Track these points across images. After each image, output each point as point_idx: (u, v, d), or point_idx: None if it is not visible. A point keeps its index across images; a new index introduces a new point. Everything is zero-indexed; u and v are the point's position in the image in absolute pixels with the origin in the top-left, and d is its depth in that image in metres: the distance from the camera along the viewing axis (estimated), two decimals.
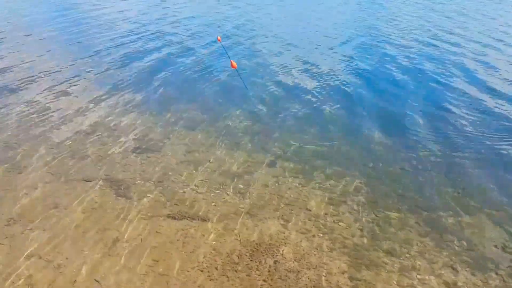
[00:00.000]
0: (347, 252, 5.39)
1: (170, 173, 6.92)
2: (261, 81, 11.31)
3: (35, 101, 9.42)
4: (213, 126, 8.61)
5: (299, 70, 12.26)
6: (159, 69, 12.04)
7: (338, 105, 9.86)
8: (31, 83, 10.52)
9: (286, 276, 4.97)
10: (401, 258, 5.31)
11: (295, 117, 9.13)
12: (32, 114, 8.76)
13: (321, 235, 5.68)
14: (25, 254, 5.08)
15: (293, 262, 5.20)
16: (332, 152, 7.75)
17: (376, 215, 6.09)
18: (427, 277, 5.03)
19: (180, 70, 12.05)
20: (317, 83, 11.22)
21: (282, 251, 5.37)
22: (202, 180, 6.76)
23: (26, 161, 7.03)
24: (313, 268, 5.12)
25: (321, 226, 5.83)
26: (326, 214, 6.09)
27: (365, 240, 5.61)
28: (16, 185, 6.38)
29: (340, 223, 5.91)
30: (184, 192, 6.45)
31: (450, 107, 9.85)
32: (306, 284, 4.87)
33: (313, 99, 10.16)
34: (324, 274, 5.03)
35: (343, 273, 5.06)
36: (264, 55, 13.77)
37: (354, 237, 5.66)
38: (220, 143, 7.95)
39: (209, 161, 7.32)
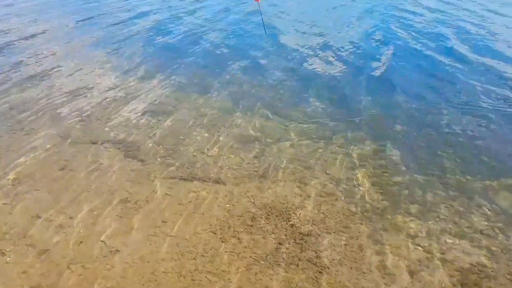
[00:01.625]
0: (369, 216, 5.00)
1: (181, 137, 6.58)
2: (285, 37, 10.80)
3: (43, 64, 9.15)
4: (227, 90, 8.23)
5: (328, 35, 11.69)
6: (171, 30, 11.63)
7: (360, 71, 9.34)
8: (41, 47, 10.26)
9: (303, 239, 4.62)
10: (429, 222, 4.89)
11: (316, 81, 8.67)
12: (39, 77, 8.50)
13: (341, 198, 5.29)
14: (29, 214, 4.84)
15: (311, 225, 4.84)
16: (353, 116, 7.29)
17: (400, 179, 5.66)
18: (457, 241, 4.61)
19: (195, 28, 11.62)
20: (346, 49, 10.67)
21: (299, 214, 5.01)
22: (215, 144, 6.41)
23: (33, 123, 6.78)
24: (333, 232, 4.75)
25: (341, 190, 5.44)
26: (346, 178, 5.69)
27: (388, 204, 5.20)
28: (22, 146, 6.15)
29: (361, 187, 5.51)
30: (195, 155, 6.12)
31: (482, 77, 9.23)
32: (325, 248, 4.51)
33: (337, 63, 9.64)
34: (344, 238, 4.66)
35: (366, 237, 4.68)
36: (297, 14, 13.20)
37: (377, 201, 5.26)
38: (234, 107, 7.58)
39: (223, 125, 6.95)
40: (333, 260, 4.37)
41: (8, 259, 4.21)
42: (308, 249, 4.49)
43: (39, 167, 5.71)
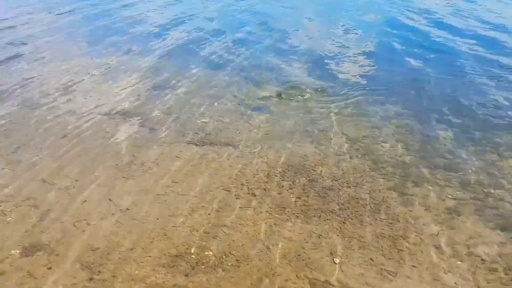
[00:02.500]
0: (392, 170, 4.67)
1: (189, 107, 6.31)
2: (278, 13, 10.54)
3: (46, 45, 8.95)
4: (232, 65, 7.96)
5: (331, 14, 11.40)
6: (179, 15, 11.40)
7: (364, 41, 9.03)
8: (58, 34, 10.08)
9: (324, 193, 4.30)
10: (459, 173, 4.54)
11: (317, 51, 8.37)
12: (49, 60, 8.29)
13: (361, 156, 4.97)
14: (30, 178, 4.58)
15: (331, 181, 4.51)
16: (368, 80, 6.99)
17: (423, 135, 5.34)
18: (492, 191, 4.25)
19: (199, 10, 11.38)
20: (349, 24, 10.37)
21: (319, 171, 4.69)
22: (223, 112, 6.12)
23: (42, 99, 6.54)
24: (354, 186, 4.42)
25: (360, 148, 5.12)
26: (365, 136, 5.38)
27: (412, 159, 4.87)
28: (28, 119, 5.90)
29: (383, 144, 5.19)
30: (205, 122, 5.84)
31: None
32: (347, 201, 4.18)
33: (345, 32, 9.34)
34: (367, 191, 4.33)
35: (389, 190, 4.34)
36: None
37: (400, 156, 4.93)
38: (241, 79, 7.32)
39: (233, 95, 6.67)
40: (356, 211, 4.03)
41: (9, 219, 3.95)
42: (331, 201, 4.16)
43: (42, 136, 5.46)
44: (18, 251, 3.56)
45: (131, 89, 6.88)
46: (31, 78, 7.39)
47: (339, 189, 4.36)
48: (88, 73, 7.61)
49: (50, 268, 3.36)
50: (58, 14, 12.10)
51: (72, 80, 7.31)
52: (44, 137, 5.43)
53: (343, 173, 4.64)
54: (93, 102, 6.43)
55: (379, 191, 4.32)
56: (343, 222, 3.89)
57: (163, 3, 13.51)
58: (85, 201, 4.21)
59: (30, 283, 3.25)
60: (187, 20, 11.39)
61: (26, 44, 9.31)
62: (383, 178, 4.53)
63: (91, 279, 3.26)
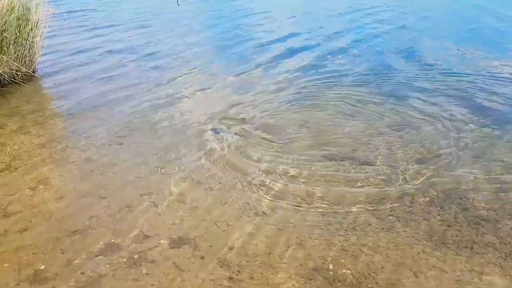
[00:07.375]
0: None
1: (325, 122, 6.23)
2: None
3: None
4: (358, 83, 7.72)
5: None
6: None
7: None
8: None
9: (478, 224, 3.83)
10: None
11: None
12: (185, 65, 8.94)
13: None
14: (179, 176, 4.91)
15: (488, 211, 4.01)
16: None
17: None
18: None
19: None
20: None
21: (471, 199, 4.21)
22: (364, 130, 5.90)
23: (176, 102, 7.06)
24: None
25: None
26: None
27: None
28: (174, 127, 6.38)
29: None
30: (339, 136, 5.71)
31: None
32: (508, 234, 3.64)
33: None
34: None
35: None
36: None
37: None
38: (370, 93, 7.03)
39: (371, 113, 6.43)
40: None
41: (160, 211, 4.28)
42: (487, 233, 3.67)
43: (187, 139, 5.81)
44: (166, 242, 3.82)
45: (266, 103, 7.04)
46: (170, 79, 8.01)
47: (497, 221, 3.84)
48: (220, 82, 7.97)
49: (194, 262, 3.53)
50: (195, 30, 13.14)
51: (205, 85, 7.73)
52: (190, 140, 5.76)
53: (502, 204, 4.08)
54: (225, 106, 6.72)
55: None
56: (504, 258, 3.38)
57: None
58: (226, 203, 4.38)
59: (175, 274, 3.43)
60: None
61: (168, 55, 10.19)
62: None
63: (230, 278, 3.34)
